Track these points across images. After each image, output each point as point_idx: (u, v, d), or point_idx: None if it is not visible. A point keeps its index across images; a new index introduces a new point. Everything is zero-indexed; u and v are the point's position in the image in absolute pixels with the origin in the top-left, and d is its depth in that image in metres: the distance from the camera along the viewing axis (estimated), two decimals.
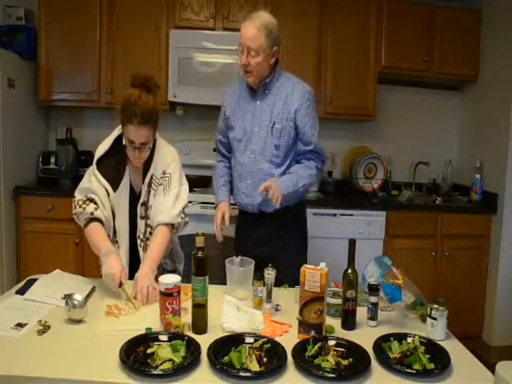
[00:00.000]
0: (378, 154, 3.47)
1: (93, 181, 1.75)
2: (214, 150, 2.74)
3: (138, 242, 1.81)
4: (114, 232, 1.79)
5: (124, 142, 1.70)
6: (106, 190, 1.74)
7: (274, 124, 1.96)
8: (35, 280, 1.65)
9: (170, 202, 1.78)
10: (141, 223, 1.80)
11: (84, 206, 1.72)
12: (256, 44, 1.85)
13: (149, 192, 1.79)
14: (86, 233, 1.73)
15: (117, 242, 1.80)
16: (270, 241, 2.03)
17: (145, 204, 1.79)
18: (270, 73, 1.96)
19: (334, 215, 3.04)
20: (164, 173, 1.79)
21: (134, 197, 1.80)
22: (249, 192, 2.03)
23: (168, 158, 1.81)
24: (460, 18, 3.34)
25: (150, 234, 1.80)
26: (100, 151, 1.77)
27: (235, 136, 2.05)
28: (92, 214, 1.71)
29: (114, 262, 1.59)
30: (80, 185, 1.79)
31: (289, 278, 1.67)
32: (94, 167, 1.75)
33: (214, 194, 2.17)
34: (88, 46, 3.14)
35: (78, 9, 3.11)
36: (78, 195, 1.77)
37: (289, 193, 1.90)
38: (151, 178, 1.78)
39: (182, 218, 1.82)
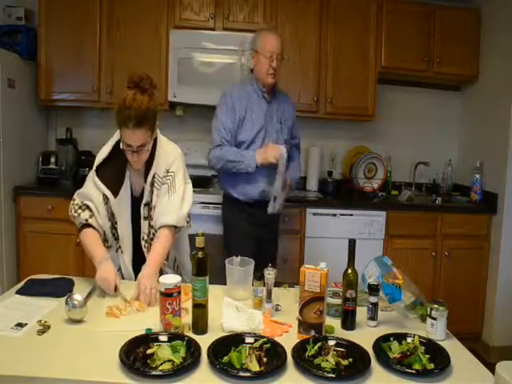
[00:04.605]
0: (378, 153, 3.47)
1: (90, 187, 1.73)
2: None
3: (142, 243, 1.78)
4: (116, 238, 1.78)
5: (121, 146, 1.67)
6: (106, 197, 1.72)
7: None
8: (35, 280, 1.65)
9: (176, 203, 1.75)
10: (144, 224, 1.78)
11: (79, 211, 1.72)
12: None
13: (152, 192, 1.76)
14: (81, 237, 1.73)
15: (120, 247, 1.78)
16: None
17: (148, 204, 1.77)
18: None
19: (334, 215, 3.04)
20: (167, 171, 1.76)
21: (135, 199, 1.78)
22: None
23: (171, 156, 1.78)
24: (460, 18, 3.34)
25: (154, 235, 1.77)
26: (99, 157, 1.75)
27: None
28: (86, 220, 1.70)
29: (107, 268, 1.60)
30: (81, 188, 1.78)
31: None
32: (93, 174, 1.74)
33: (243, 160, 2.33)
34: (88, 46, 3.14)
35: (78, 9, 3.11)
36: (77, 198, 1.76)
37: None
38: (153, 177, 1.75)
39: (188, 222, 1.82)
